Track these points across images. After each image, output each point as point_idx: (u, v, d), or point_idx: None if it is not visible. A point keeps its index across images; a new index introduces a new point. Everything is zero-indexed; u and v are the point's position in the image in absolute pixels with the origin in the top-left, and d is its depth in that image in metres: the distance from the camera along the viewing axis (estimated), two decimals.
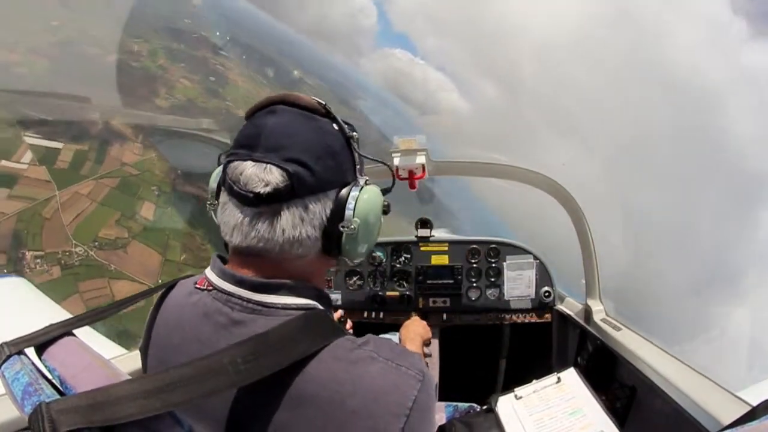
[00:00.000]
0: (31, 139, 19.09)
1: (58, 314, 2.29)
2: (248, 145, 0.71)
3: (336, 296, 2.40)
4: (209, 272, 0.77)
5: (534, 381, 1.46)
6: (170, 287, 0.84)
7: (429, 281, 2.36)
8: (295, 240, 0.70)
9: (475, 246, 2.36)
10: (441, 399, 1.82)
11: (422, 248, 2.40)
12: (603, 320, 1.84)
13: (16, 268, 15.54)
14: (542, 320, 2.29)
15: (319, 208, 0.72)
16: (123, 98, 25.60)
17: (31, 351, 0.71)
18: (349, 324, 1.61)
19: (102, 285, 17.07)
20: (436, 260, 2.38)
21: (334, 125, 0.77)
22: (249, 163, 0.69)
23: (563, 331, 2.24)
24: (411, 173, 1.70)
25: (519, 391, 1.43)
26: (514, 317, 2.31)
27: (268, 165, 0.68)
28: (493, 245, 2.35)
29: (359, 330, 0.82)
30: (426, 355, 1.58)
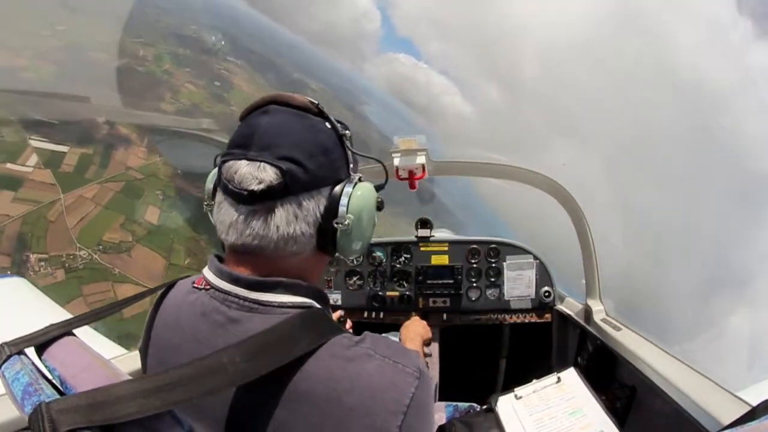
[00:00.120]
0: (36, 142, 19.26)
1: (59, 314, 2.32)
2: (242, 145, 0.71)
3: (336, 296, 2.41)
4: (207, 271, 0.78)
5: (534, 381, 1.45)
6: (169, 287, 0.85)
7: (429, 281, 2.36)
8: (290, 237, 0.71)
9: (475, 246, 2.36)
10: (441, 399, 1.82)
11: (422, 248, 2.40)
12: (603, 320, 1.83)
13: (20, 270, 15.62)
14: (542, 320, 2.28)
15: (313, 205, 0.73)
16: (128, 102, 25.79)
17: (31, 351, 0.71)
18: (348, 324, 1.61)
19: (106, 288, 17.17)
20: (436, 260, 2.38)
21: (327, 124, 0.78)
22: (243, 162, 0.70)
23: (563, 331, 2.23)
24: (411, 173, 1.70)
25: (519, 391, 1.43)
26: (514, 317, 2.31)
27: (262, 163, 0.68)
28: (493, 245, 2.35)
29: (359, 330, 0.83)
30: (426, 355, 1.58)
